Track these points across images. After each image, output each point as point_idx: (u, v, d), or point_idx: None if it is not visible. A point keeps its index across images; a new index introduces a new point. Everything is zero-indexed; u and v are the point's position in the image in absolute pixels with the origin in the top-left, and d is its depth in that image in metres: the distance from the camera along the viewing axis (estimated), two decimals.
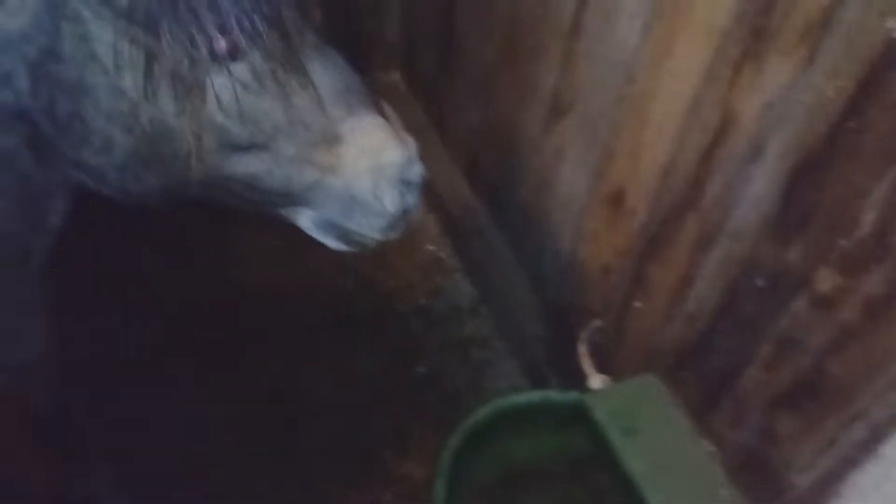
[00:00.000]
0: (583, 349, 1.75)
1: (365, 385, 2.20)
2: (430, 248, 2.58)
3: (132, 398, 1.99)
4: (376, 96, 1.22)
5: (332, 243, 1.30)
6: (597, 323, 1.77)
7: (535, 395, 1.71)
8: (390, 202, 1.20)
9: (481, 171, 2.25)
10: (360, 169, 1.16)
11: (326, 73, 1.12)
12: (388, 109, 1.25)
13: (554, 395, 1.67)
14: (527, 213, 2.03)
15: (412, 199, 1.25)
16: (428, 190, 2.49)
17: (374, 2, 2.53)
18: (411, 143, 1.23)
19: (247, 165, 1.11)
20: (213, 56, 0.96)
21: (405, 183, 1.22)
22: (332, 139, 1.14)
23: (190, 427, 2.01)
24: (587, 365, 1.72)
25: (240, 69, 1.00)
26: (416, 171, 1.23)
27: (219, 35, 0.95)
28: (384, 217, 1.22)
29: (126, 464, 1.83)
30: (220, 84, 0.99)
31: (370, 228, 1.24)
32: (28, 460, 1.77)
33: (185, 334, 2.19)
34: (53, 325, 1.38)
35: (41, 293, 1.32)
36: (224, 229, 2.39)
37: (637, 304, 1.64)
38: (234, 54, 0.99)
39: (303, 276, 2.42)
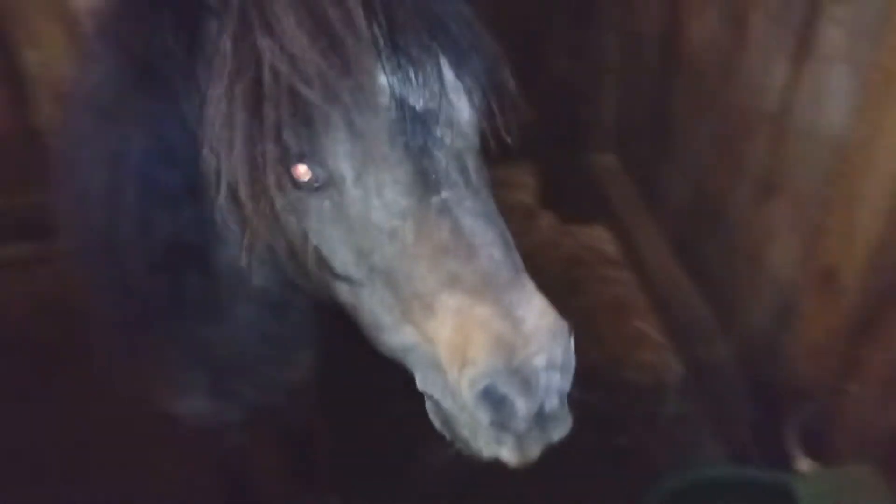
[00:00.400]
0: (791, 431, 1.69)
1: (563, 451, 2.27)
2: (639, 324, 2.63)
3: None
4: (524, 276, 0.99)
5: (437, 423, 1.06)
6: (807, 405, 1.71)
7: (738, 471, 1.69)
8: (484, 414, 0.94)
9: (691, 248, 2.29)
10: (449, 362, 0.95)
11: (456, 232, 0.95)
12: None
13: (758, 472, 1.63)
14: (736, 290, 2.03)
15: (529, 406, 0.93)
16: (638, 268, 2.59)
17: (593, 90, 2.72)
18: (539, 337, 0.93)
19: (346, 294, 1.03)
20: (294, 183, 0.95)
21: (516, 390, 0.92)
22: (427, 307, 0.96)
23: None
24: (795, 448, 1.66)
25: (323, 199, 0.97)
26: (535, 376, 0.92)
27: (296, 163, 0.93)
28: (482, 429, 0.96)
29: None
30: (313, 207, 0.97)
31: (471, 438, 0.99)
32: (276, 475, 2.09)
33: None
34: (319, 356, 1.63)
35: (314, 326, 1.46)
36: None
37: (851, 387, 1.58)
38: (313, 184, 0.96)
39: None
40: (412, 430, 2.27)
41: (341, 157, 0.94)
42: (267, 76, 0.89)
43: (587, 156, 2.87)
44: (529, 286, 0.96)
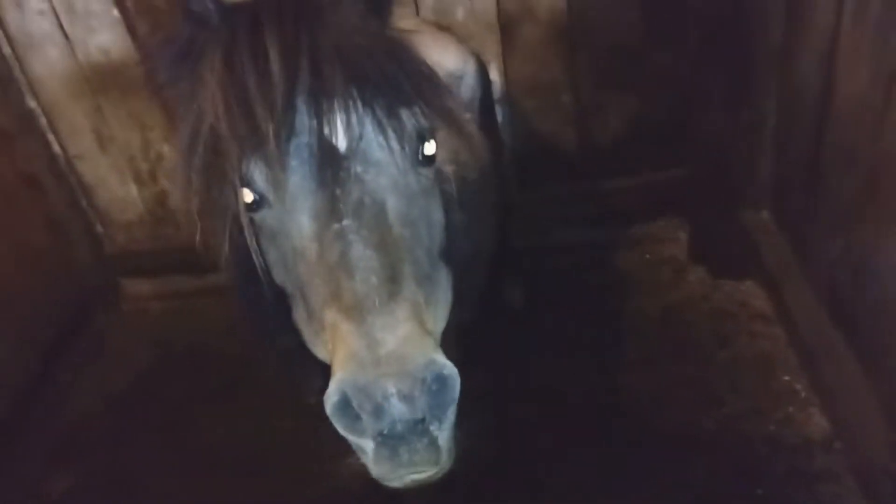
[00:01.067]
0: None
1: (700, 499, 2.31)
2: (786, 378, 2.62)
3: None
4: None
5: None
6: None
7: None
8: (337, 424, 1.03)
9: (841, 302, 2.29)
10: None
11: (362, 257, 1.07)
12: None
13: None
14: (886, 344, 2.02)
15: (374, 425, 1.00)
16: (788, 323, 2.60)
17: (749, 148, 2.80)
18: (391, 362, 1.00)
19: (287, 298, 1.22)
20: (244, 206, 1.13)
21: (362, 407, 1.00)
22: (319, 321, 1.10)
23: None
24: None
25: (261, 218, 1.15)
26: (382, 398, 0.99)
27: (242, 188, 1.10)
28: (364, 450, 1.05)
29: None
30: (257, 225, 1.16)
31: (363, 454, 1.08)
32: None
33: None
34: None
35: None
36: None
37: None
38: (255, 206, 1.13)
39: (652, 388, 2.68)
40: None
41: (265, 184, 1.10)
42: (204, 129, 1.10)
43: (741, 212, 2.93)
44: (400, 314, 1.03)
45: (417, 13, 2.84)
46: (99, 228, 3.46)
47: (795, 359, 2.63)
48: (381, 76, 1.11)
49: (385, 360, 1.00)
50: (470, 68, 2.35)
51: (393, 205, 1.13)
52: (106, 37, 2.96)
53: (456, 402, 1.05)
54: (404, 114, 1.13)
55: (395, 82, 1.12)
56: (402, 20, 1.60)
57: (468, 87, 2.32)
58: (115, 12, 2.89)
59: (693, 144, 2.93)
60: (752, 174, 2.85)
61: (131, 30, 2.92)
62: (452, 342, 1.74)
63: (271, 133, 1.06)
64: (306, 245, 1.10)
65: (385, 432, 1.01)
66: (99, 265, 3.46)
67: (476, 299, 2.11)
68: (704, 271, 3.14)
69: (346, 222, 1.08)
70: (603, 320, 3.03)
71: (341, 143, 1.10)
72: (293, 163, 1.09)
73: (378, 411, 0.99)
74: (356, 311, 1.03)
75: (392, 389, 0.98)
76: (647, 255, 3.32)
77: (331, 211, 1.08)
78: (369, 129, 1.11)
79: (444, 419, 1.04)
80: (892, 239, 1.92)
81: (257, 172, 1.10)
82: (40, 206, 3.20)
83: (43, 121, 3.17)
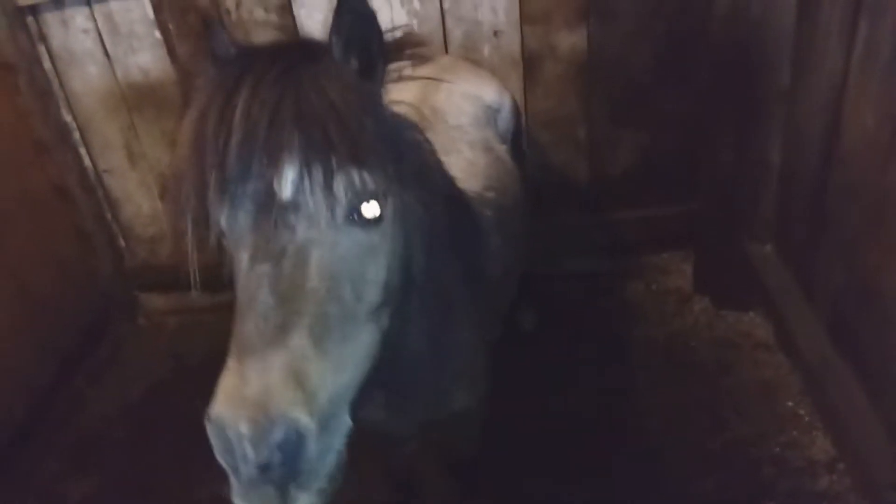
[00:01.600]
0: None
1: None
2: (790, 404, 2.73)
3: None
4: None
5: None
6: None
7: None
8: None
9: (845, 329, 2.42)
10: None
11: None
12: None
13: None
14: (890, 368, 2.14)
15: (227, 460, 1.07)
16: (792, 351, 2.72)
17: (754, 184, 2.96)
18: (244, 405, 1.04)
19: None
20: None
21: (217, 441, 1.07)
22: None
23: None
24: None
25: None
26: (233, 436, 1.04)
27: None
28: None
29: None
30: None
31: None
32: (438, 483, 2.38)
33: None
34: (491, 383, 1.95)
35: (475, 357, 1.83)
36: None
37: None
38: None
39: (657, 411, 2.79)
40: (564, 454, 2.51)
41: (220, 220, 1.19)
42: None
43: (745, 245, 3.08)
44: (274, 362, 1.07)
45: (447, 50, 3.00)
46: (121, 242, 3.54)
47: (799, 385, 2.75)
48: (333, 139, 1.15)
49: (245, 402, 1.03)
50: (506, 102, 2.49)
51: (316, 259, 1.17)
52: (146, 57, 3.09)
53: (311, 465, 1.08)
54: (341, 177, 1.17)
55: (344, 146, 1.16)
56: (441, 57, 1.74)
57: (504, 119, 2.45)
58: (158, 34, 3.03)
59: (700, 180, 3.08)
60: (757, 209, 3.00)
61: (171, 51, 3.06)
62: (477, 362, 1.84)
63: (213, 180, 1.14)
64: (239, 280, 1.18)
65: (244, 475, 1.06)
66: (120, 278, 3.54)
67: (500, 320, 2.22)
68: (709, 302, 3.27)
69: (264, 267, 1.14)
70: (610, 345, 3.14)
71: (284, 193, 1.15)
72: (241, 206, 1.17)
73: (228, 448, 1.05)
74: (240, 350, 1.09)
75: (244, 431, 1.02)
76: (654, 286, 3.45)
77: (259, 254, 1.15)
78: (307, 186, 1.16)
79: (298, 478, 1.08)
80: (895, 263, 2.06)
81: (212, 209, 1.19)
82: (70, 217, 3.29)
83: (77, 135, 3.28)
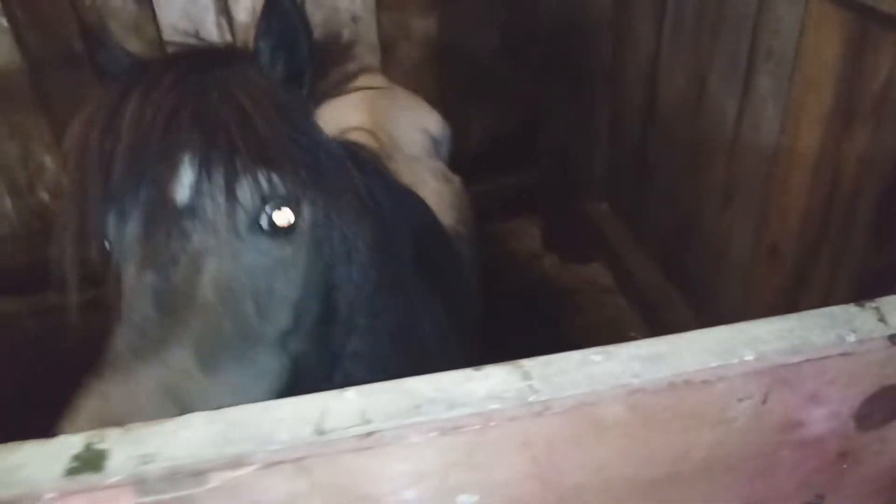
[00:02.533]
0: None
1: None
2: (632, 333, 3.20)
3: None
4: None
5: None
6: None
7: None
8: None
9: (674, 262, 2.91)
10: None
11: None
12: None
13: None
14: (708, 284, 2.63)
15: None
16: (632, 290, 3.18)
17: (587, 151, 3.41)
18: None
19: None
20: None
21: None
22: None
23: None
24: None
25: None
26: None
27: None
28: None
29: None
30: None
31: None
32: None
33: None
34: None
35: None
36: None
37: None
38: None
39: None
40: None
41: (107, 233, 1.12)
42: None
43: (584, 205, 3.53)
44: (145, 380, 0.95)
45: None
46: None
47: (637, 318, 3.23)
48: (237, 140, 1.07)
49: (101, 424, 0.84)
50: (448, 133, 2.48)
51: (212, 269, 1.06)
52: None
53: None
54: (246, 180, 1.08)
55: (251, 148, 1.07)
56: (369, 78, 1.60)
57: (445, 151, 2.46)
58: (4, 22, 2.91)
59: (541, 151, 3.49)
60: (591, 172, 3.46)
61: (19, 39, 2.95)
62: None
63: (97, 189, 1.07)
64: (124, 298, 1.06)
65: None
66: None
67: None
68: (556, 258, 3.70)
69: (150, 277, 1.04)
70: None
71: (180, 198, 1.06)
72: (131, 215, 1.08)
73: None
74: (108, 367, 0.97)
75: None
76: (507, 248, 3.83)
77: (146, 264, 1.04)
78: (206, 189, 1.06)
79: None
80: (708, 200, 2.55)
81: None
82: None
83: None
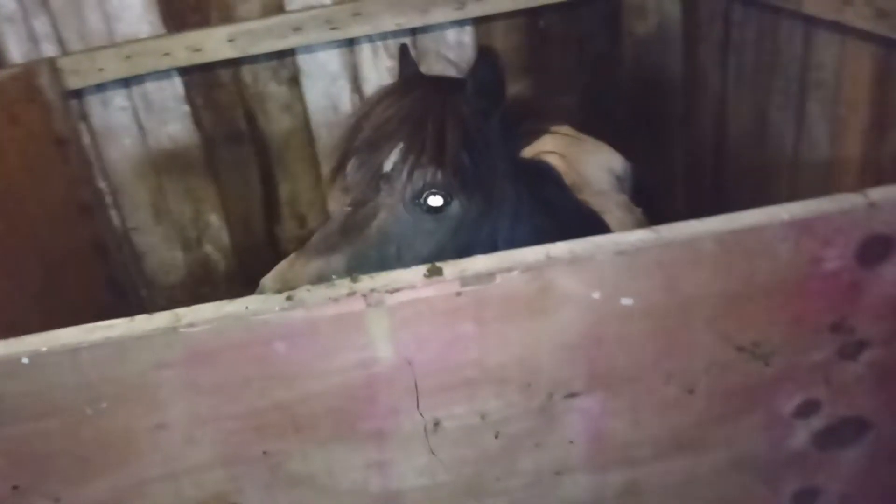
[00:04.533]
0: None
1: None
2: None
3: None
4: None
5: None
6: None
7: None
8: None
9: None
10: None
11: None
12: None
13: None
14: None
15: None
16: None
17: (667, 184, 4.00)
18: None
19: None
20: None
21: None
22: None
23: None
24: None
25: None
26: None
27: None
28: None
29: None
30: None
31: None
32: None
33: None
34: None
35: None
36: None
37: None
38: None
39: None
40: None
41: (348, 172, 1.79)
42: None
43: None
44: (314, 264, 1.55)
45: None
46: (143, 292, 4.14)
47: None
48: (427, 145, 1.63)
49: (279, 278, 1.51)
50: (629, 170, 2.97)
51: (382, 217, 1.63)
52: (175, 127, 3.84)
53: None
54: (421, 171, 1.64)
55: (433, 152, 1.63)
56: (559, 128, 2.05)
57: (628, 186, 2.94)
58: (187, 107, 3.80)
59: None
60: (672, 207, 4.05)
61: (197, 122, 3.83)
62: None
63: (351, 145, 1.73)
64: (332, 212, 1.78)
65: None
66: None
67: None
68: None
69: (348, 208, 1.66)
70: None
71: (385, 168, 1.67)
72: (363, 168, 1.71)
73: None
74: (302, 250, 1.59)
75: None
76: None
77: (351, 199, 1.67)
78: (399, 168, 1.65)
79: None
80: None
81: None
82: (105, 269, 3.89)
83: (109, 198, 3.93)
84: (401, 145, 1.66)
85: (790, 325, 1.40)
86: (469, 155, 1.67)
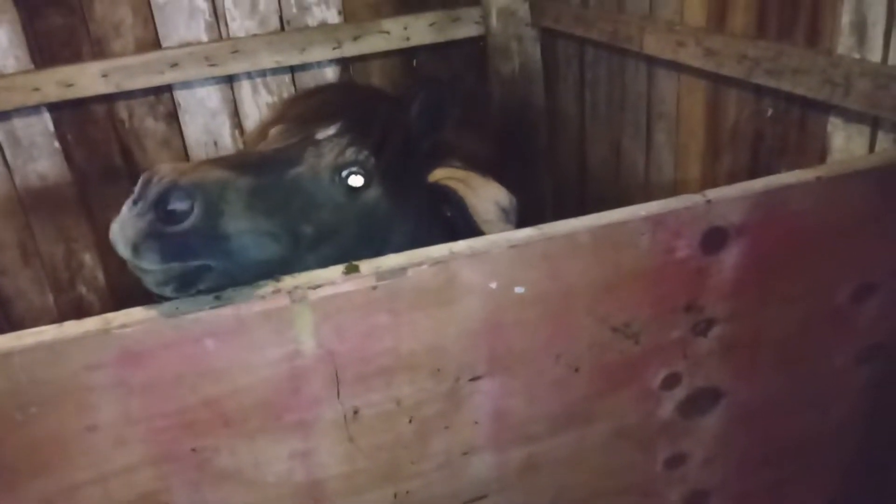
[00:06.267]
0: None
1: None
2: None
3: None
4: None
5: None
6: None
7: None
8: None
9: None
10: None
11: None
12: None
13: None
14: None
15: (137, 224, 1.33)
16: None
17: (538, 210, 4.36)
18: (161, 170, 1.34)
19: None
20: None
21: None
22: None
23: None
24: None
25: None
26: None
27: None
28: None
29: None
30: None
31: None
32: None
33: None
34: None
35: None
36: None
37: None
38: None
39: None
40: None
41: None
42: None
43: None
44: (215, 173, 1.44)
45: None
46: None
47: None
48: (365, 127, 1.79)
49: (175, 169, 1.38)
50: (514, 204, 3.14)
51: (300, 171, 1.65)
52: (45, 164, 3.75)
53: (177, 237, 1.36)
54: (352, 150, 1.74)
55: (369, 136, 1.77)
56: (450, 168, 2.39)
57: (513, 216, 3.09)
58: (56, 143, 3.73)
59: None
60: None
61: (68, 158, 3.77)
62: None
63: (297, 118, 1.87)
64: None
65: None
66: None
67: None
68: None
69: (276, 150, 1.71)
70: None
71: (318, 137, 1.76)
72: (300, 131, 1.80)
73: (142, 184, 1.36)
74: (207, 161, 1.55)
75: (158, 176, 1.35)
76: None
77: (281, 147, 1.73)
78: (331, 141, 1.74)
79: (161, 239, 1.35)
80: None
81: None
82: None
83: None
84: (340, 123, 1.78)
85: (652, 306, 1.66)
86: (398, 160, 1.81)
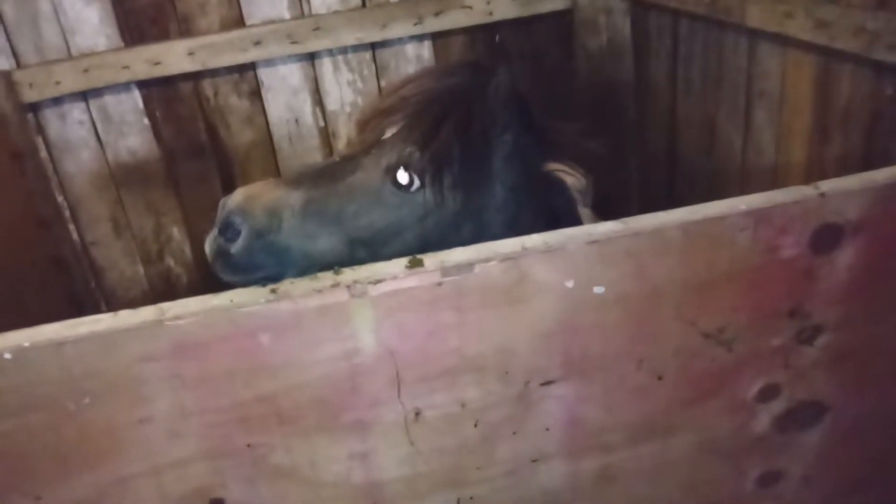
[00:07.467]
0: None
1: None
2: None
3: None
4: None
5: None
6: None
7: None
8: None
9: None
10: None
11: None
12: None
13: None
14: None
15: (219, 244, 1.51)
16: None
17: (624, 192, 4.11)
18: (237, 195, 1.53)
19: None
20: None
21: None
22: None
23: None
24: None
25: None
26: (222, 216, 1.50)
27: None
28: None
29: None
30: None
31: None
32: None
33: None
34: None
35: None
36: None
37: None
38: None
39: None
40: None
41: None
42: None
43: None
44: (273, 194, 1.54)
45: None
46: (104, 307, 4.06)
47: None
48: (419, 129, 1.68)
49: (238, 195, 1.55)
50: (588, 182, 2.92)
51: (360, 170, 1.64)
52: (135, 140, 3.80)
53: (238, 253, 1.49)
54: (410, 147, 1.66)
55: (422, 137, 1.67)
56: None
57: (590, 198, 2.91)
58: (146, 120, 3.76)
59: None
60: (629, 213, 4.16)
61: (157, 135, 3.79)
62: None
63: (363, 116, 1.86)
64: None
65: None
66: None
67: None
68: None
69: (336, 159, 1.75)
70: None
71: (384, 137, 1.72)
72: (372, 129, 1.78)
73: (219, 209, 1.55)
74: (271, 180, 1.61)
75: (226, 205, 1.53)
76: None
77: (351, 150, 1.76)
78: (393, 139, 1.70)
79: (227, 253, 1.51)
80: None
81: None
82: (65, 286, 3.81)
83: (67, 213, 3.85)
84: (400, 122, 1.73)
85: (750, 311, 1.47)
86: (462, 153, 1.67)
